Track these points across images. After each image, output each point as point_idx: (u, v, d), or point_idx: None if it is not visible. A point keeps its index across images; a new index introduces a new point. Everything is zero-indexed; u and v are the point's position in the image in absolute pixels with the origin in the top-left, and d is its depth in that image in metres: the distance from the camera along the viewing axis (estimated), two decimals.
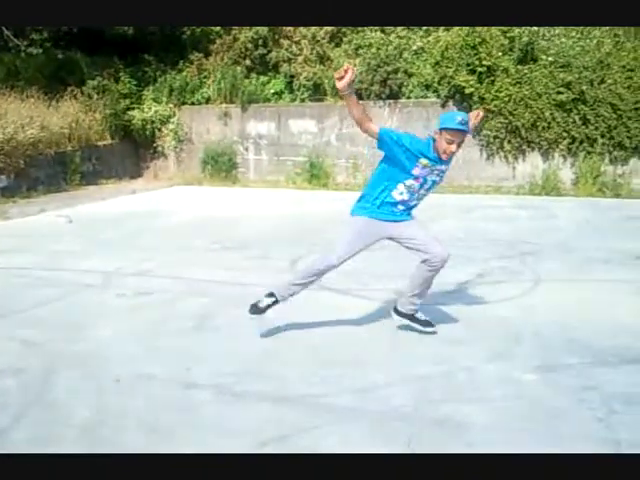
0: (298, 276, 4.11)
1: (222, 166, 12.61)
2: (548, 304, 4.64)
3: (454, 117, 3.67)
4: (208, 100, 13.24)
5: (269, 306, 4.02)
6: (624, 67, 10.54)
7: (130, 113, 13.09)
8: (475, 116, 3.96)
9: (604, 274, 5.41)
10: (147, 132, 13.18)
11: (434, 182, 3.86)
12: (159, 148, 13.47)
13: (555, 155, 10.93)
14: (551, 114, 10.68)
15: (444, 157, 3.72)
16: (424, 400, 3.18)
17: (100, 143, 12.87)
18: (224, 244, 6.84)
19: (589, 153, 10.57)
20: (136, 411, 3.13)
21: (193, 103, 13.34)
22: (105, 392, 3.35)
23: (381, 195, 3.85)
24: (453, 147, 3.66)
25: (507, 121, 10.90)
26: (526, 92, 10.77)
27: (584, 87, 10.48)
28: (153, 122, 13.11)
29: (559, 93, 10.61)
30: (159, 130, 13.28)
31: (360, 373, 3.50)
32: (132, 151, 13.54)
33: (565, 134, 10.71)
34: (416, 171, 3.75)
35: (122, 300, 4.95)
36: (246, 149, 12.96)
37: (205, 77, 13.35)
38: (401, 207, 3.90)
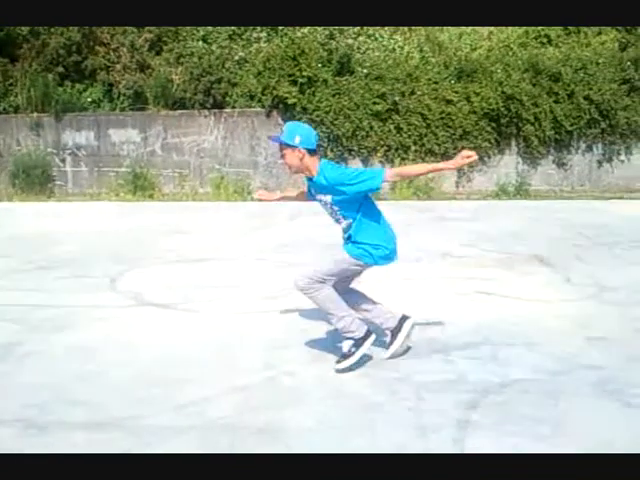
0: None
1: (35, 179, 11.67)
2: None
3: None
4: (17, 109, 12.23)
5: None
6: (430, 80, 11.48)
7: None
8: (463, 157, 3.42)
9: (417, 272, 5.80)
10: None
11: (326, 203, 3.62)
12: None
13: (374, 162, 11.57)
14: (369, 123, 11.31)
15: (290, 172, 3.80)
16: (245, 409, 3.16)
17: None
18: (35, 264, 6.31)
19: (403, 159, 11.33)
20: None
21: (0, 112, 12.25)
22: None
23: None
24: (283, 160, 3.63)
25: (329, 130, 11.35)
26: (345, 103, 11.30)
27: (397, 98, 11.24)
28: None
29: (375, 104, 11.27)
30: None
31: (181, 390, 3.40)
32: None
33: (382, 142, 11.39)
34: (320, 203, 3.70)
35: None
36: (62, 161, 12.15)
37: (12, 84, 12.31)
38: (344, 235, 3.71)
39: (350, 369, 3.57)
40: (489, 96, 11.24)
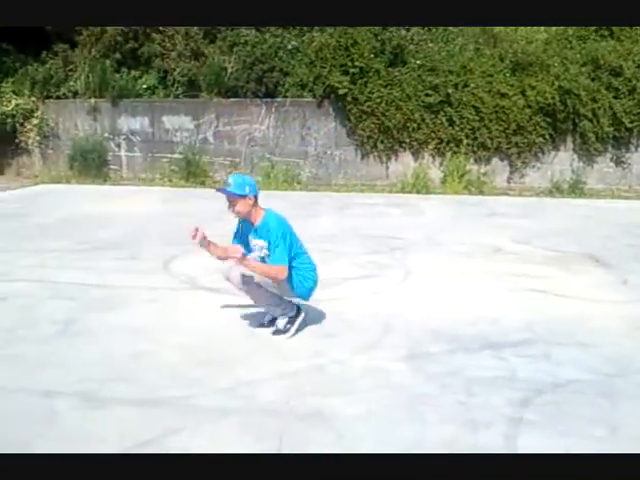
0: None
1: (91, 163, 11.99)
2: (416, 296, 4.85)
3: None
4: (76, 94, 12.56)
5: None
6: (484, 72, 11.25)
7: None
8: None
9: (467, 266, 5.73)
10: (7, 127, 12.26)
11: (261, 247, 3.91)
12: (22, 144, 12.59)
13: (425, 155, 11.46)
14: (420, 115, 11.19)
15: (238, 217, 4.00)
16: (294, 395, 3.19)
17: None
18: (93, 244, 6.50)
19: (455, 153, 11.18)
20: None
21: (59, 97, 12.60)
22: None
23: None
24: (229, 206, 3.89)
25: (379, 122, 11.27)
26: (397, 94, 11.19)
27: (450, 90, 11.07)
28: (14, 116, 12.22)
29: (427, 95, 11.13)
30: (21, 125, 12.41)
31: (230, 372, 3.45)
32: None
33: (433, 135, 11.26)
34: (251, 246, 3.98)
35: None
36: (118, 145, 12.43)
37: (72, 70, 12.64)
38: None
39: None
40: (545, 90, 10.96)
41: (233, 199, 3.85)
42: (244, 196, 3.83)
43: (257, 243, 3.93)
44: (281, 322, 4.05)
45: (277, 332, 4.03)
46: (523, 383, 3.32)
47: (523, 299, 4.78)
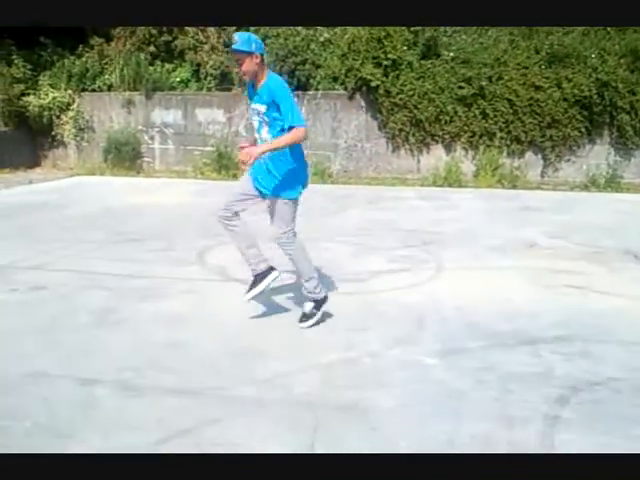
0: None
1: (125, 155, 12.15)
2: (450, 290, 4.81)
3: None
4: (110, 87, 12.73)
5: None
6: (519, 65, 11.07)
7: (25, 99, 12.37)
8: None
9: (502, 261, 5.67)
10: (44, 119, 12.50)
11: (259, 122, 3.86)
12: (58, 136, 12.82)
13: (457, 148, 11.33)
14: (453, 108, 11.06)
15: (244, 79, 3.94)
16: (328, 387, 3.20)
17: None
18: (127, 235, 6.60)
19: (488, 146, 11.03)
20: (30, 410, 2.97)
21: (94, 90, 12.78)
22: None
23: None
24: (238, 68, 3.82)
25: (412, 114, 11.18)
26: (429, 86, 11.08)
27: (483, 83, 10.92)
28: (51, 109, 12.45)
29: (460, 88, 11.00)
30: (58, 117, 12.64)
31: (264, 363, 3.48)
32: (28, 139, 12.79)
33: (466, 128, 11.12)
34: (250, 113, 4.00)
35: (15, 295, 4.67)
36: (151, 138, 12.57)
37: (107, 63, 12.82)
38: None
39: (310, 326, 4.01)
40: (582, 82, 10.73)
41: (240, 57, 3.74)
42: (250, 53, 3.71)
43: (255, 107, 3.86)
44: (308, 306, 4.08)
45: (303, 318, 4.05)
46: (560, 380, 3.28)
47: (560, 295, 4.71)
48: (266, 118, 3.81)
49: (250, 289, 4.06)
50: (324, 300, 4.11)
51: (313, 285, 4.06)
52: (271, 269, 4.06)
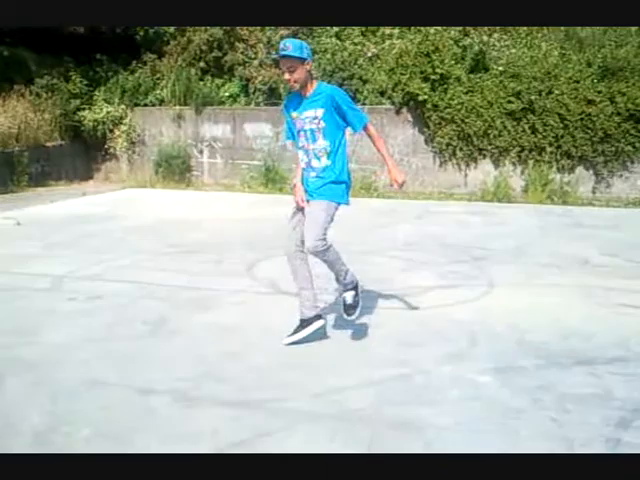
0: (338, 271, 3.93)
1: (175, 169, 12.43)
2: (502, 308, 4.74)
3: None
4: (162, 102, 13.07)
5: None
6: (570, 79, 10.89)
7: (80, 114, 12.82)
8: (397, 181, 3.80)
9: (555, 278, 5.56)
10: (98, 133, 12.91)
11: (312, 131, 3.74)
12: (111, 150, 13.21)
13: (506, 162, 11.19)
14: (502, 122, 10.95)
15: (293, 89, 3.77)
16: (382, 403, 3.19)
17: (49, 144, 12.53)
18: (178, 247, 6.74)
19: (538, 161, 10.87)
20: (89, 417, 3.05)
21: (146, 104, 13.15)
22: (57, 398, 3.24)
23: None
24: (285, 75, 3.68)
25: (459, 129, 11.12)
26: (478, 100, 11.01)
27: (533, 97, 10.79)
28: (104, 123, 12.84)
29: (509, 102, 10.89)
30: (111, 131, 13.02)
31: (318, 377, 3.49)
32: (83, 152, 13.23)
33: (515, 142, 10.99)
34: (298, 126, 3.81)
35: (73, 304, 4.82)
36: (200, 152, 12.83)
37: (159, 78, 13.18)
38: (312, 173, 3.84)
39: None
40: (636, 96, 10.49)
41: (293, 65, 3.60)
42: (303, 60, 3.61)
43: (307, 115, 3.71)
44: (349, 296, 3.94)
45: (349, 309, 3.93)
46: (620, 402, 3.19)
47: (616, 314, 4.60)
48: (323, 123, 3.67)
49: (293, 333, 3.96)
50: (358, 285, 4.01)
51: (350, 278, 3.94)
52: (318, 317, 3.96)
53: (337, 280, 4.01)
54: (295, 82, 3.68)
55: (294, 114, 3.80)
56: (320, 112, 3.68)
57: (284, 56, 3.60)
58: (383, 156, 3.87)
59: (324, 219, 3.70)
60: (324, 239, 3.68)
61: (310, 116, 3.72)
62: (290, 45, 3.60)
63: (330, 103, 3.66)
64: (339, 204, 3.82)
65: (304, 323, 3.94)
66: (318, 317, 3.97)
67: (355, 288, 3.98)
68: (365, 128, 3.78)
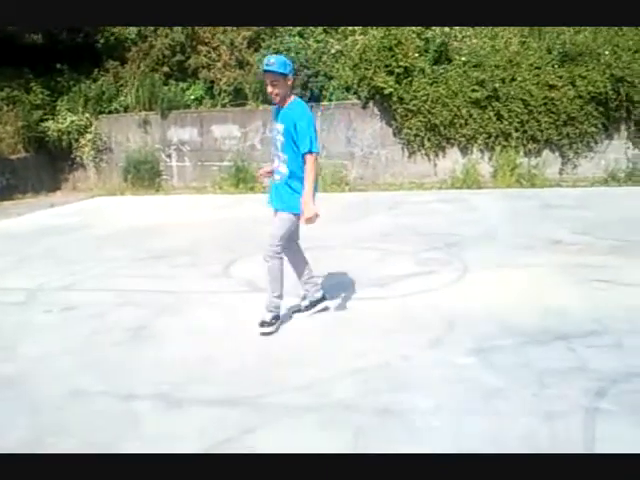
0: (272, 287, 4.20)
1: (144, 174, 12.31)
2: (478, 290, 4.82)
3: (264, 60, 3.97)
4: (126, 108, 12.92)
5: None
6: (531, 65, 11.06)
7: (44, 124, 12.60)
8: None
9: (528, 259, 5.65)
10: (63, 143, 12.70)
11: (278, 132, 4.00)
12: (77, 159, 13.02)
13: (473, 150, 11.32)
14: (467, 111, 11.07)
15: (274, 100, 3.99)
16: (365, 391, 3.22)
17: (13, 156, 12.29)
18: (152, 253, 6.68)
19: (505, 147, 11.02)
20: (74, 427, 3.02)
21: (111, 112, 12.98)
22: (41, 411, 3.21)
23: None
24: (268, 88, 3.93)
25: (426, 120, 11.21)
26: (443, 91, 11.11)
27: (496, 85, 10.92)
28: (69, 133, 12.64)
29: (474, 91, 11.01)
30: (76, 141, 12.83)
31: (300, 370, 3.51)
32: (48, 163, 12.99)
33: (481, 130, 11.11)
34: (274, 132, 4.12)
35: (49, 316, 4.76)
36: (168, 156, 12.72)
37: (122, 85, 13.02)
38: (277, 176, 4.12)
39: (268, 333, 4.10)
40: (596, 79, 10.68)
41: (276, 79, 3.86)
42: (286, 75, 3.87)
43: (277, 127, 4.01)
44: (268, 316, 4.16)
45: (262, 324, 4.12)
46: (597, 373, 3.27)
47: (589, 290, 4.70)
48: (282, 138, 3.95)
49: (304, 309, 4.45)
50: (278, 318, 4.21)
51: (273, 302, 4.17)
52: (324, 298, 4.47)
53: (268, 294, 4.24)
54: (277, 95, 3.95)
55: (275, 121, 4.11)
56: (281, 128, 3.97)
57: (268, 71, 3.86)
58: (303, 186, 3.99)
59: (282, 231, 4.05)
60: (278, 247, 4.05)
61: (278, 128, 4.03)
62: (274, 61, 3.87)
63: (290, 123, 3.91)
64: (296, 214, 4.04)
65: (315, 303, 4.42)
66: (324, 298, 4.46)
67: (275, 318, 4.19)
68: (303, 155, 3.92)
